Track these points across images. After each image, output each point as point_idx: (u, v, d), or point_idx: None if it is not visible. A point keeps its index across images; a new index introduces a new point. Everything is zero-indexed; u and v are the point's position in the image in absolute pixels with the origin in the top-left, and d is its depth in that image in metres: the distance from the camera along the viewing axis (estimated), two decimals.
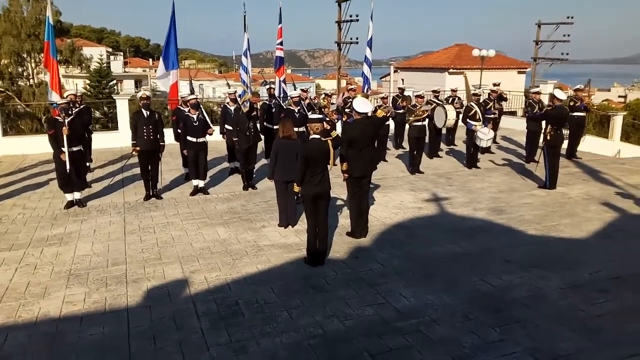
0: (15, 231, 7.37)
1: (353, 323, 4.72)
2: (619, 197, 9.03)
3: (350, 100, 10.99)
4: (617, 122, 16.54)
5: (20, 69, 32.65)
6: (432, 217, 8.03)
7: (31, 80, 32.54)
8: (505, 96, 14.33)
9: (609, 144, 16.08)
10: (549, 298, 5.24)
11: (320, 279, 5.69)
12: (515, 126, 17.30)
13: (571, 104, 12.18)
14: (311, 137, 6.16)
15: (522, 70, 34.25)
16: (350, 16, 20.99)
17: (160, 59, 12.30)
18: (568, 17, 24.44)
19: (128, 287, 5.52)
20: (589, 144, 14.19)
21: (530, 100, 12.53)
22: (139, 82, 54.96)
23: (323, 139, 6.17)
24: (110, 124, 23.79)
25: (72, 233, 7.28)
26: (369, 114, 6.84)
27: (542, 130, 10.07)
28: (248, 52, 11.42)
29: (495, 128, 13.21)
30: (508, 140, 15.35)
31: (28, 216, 8.08)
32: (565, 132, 11.19)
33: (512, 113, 20.41)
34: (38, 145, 12.72)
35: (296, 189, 6.13)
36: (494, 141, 13.53)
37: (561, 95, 9.59)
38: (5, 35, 30.32)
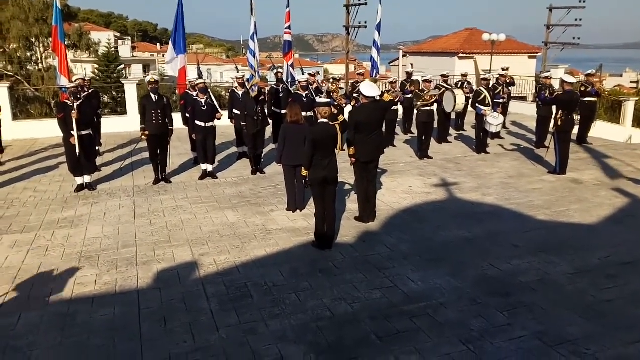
0: (26, 214, 7.45)
1: (361, 306, 4.75)
2: (630, 182, 8.96)
3: (358, 85, 10.94)
4: (629, 108, 16.35)
5: (29, 54, 32.65)
6: (440, 202, 8.01)
7: (40, 65, 32.56)
8: (512, 81, 14.19)
9: (620, 130, 15.92)
10: (557, 283, 5.24)
11: (328, 263, 5.72)
12: (525, 111, 17.15)
13: (582, 89, 12.05)
14: (319, 121, 6.14)
15: (532, 54, 33.84)
16: (359, 0, 20.76)
17: (170, 43, 12.28)
18: (580, 1, 24.00)
19: (138, 269, 5.58)
20: (600, 130, 14.07)
21: (541, 85, 12.39)
22: (147, 66, 54.93)
23: (331, 123, 6.16)
24: (119, 108, 23.82)
25: (83, 216, 7.35)
26: (376, 98, 6.80)
27: (553, 116, 9.97)
28: (255, 35, 11.37)
29: (504, 113, 13.10)
30: (518, 125, 15.23)
31: (39, 199, 8.16)
32: (576, 117, 11.07)
33: (523, 98, 20.22)
34: (48, 130, 12.79)
35: (304, 172, 6.14)
36: (504, 126, 13.44)
37: (570, 79, 9.48)
38: (14, 19, 30.30)
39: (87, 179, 8.59)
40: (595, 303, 4.82)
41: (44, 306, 4.83)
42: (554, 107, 9.80)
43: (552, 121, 10.02)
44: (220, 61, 62.96)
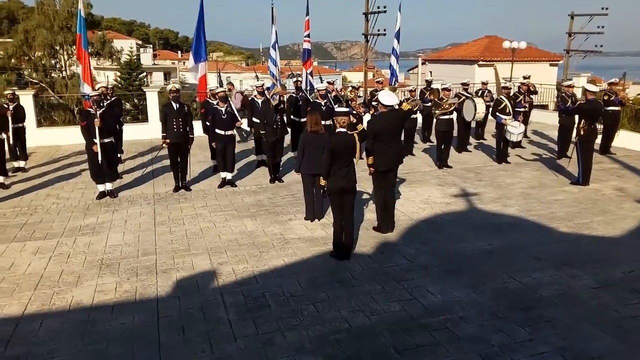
0: (49, 220, 7.58)
1: (379, 318, 4.71)
2: None
3: (377, 93, 10.92)
4: None
5: (53, 61, 33.42)
6: (460, 212, 7.93)
7: (64, 72, 33.28)
8: (534, 89, 14.02)
9: None
10: (580, 297, 5.13)
11: (346, 273, 5.69)
12: (546, 120, 16.92)
13: (605, 97, 11.85)
14: (337, 130, 6.14)
15: (554, 62, 33.45)
16: (378, 7, 20.78)
17: (191, 52, 12.43)
18: (603, 9, 23.70)
19: (158, 277, 5.62)
20: (623, 139, 13.76)
21: (563, 94, 12.22)
22: (168, 74, 55.68)
23: (349, 132, 6.15)
24: (140, 115, 24.15)
25: (104, 223, 7.44)
26: (395, 107, 6.78)
27: (575, 125, 9.82)
28: (277, 44, 11.43)
29: (525, 122, 12.93)
30: (539, 134, 15.03)
31: (61, 206, 8.29)
32: (599, 126, 10.88)
33: (544, 107, 19.97)
34: (71, 136, 13.04)
35: (322, 182, 6.12)
36: (525, 135, 13.27)
37: (593, 88, 9.34)
38: (39, 28, 31.07)
39: (108, 186, 8.71)
40: (620, 319, 4.71)
41: (65, 313, 4.89)
42: (577, 117, 9.64)
43: (575, 130, 9.86)
44: (240, 69, 63.58)
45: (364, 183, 8.51)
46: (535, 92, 14.27)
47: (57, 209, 8.17)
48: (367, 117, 11.34)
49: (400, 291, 5.25)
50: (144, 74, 40.28)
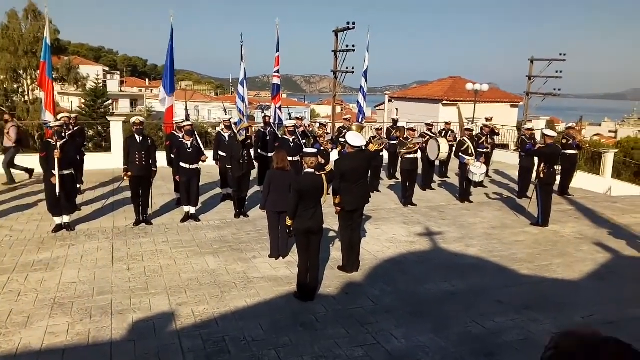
0: (0, 255, 7.22)
1: None
2: (612, 237, 9.02)
3: (345, 130, 11.05)
4: (608, 159, 16.70)
5: (15, 85, 32.67)
6: (424, 252, 7.97)
7: (26, 97, 32.53)
8: (497, 131, 14.47)
9: (600, 181, 16.19)
10: (540, 343, 5.11)
11: (309, 316, 5.58)
12: (507, 160, 17.42)
13: (564, 141, 12.30)
14: (305, 171, 6.13)
15: (514, 104, 34.66)
16: (347, 46, 21.19)
17: (161, 83, 12.38)
18: (560, 54, 24.79)
19: (113, 318, 5.38)
20: (580, 180, 14.29)
21: (523, 137, 12.63)
22: (134, 101, 55.13)
23: (317, 173, 6.14)
24: (103, 143, 23.69)
25: (59, 258, 7.13)
26: (362, 148, 6.85)
27: (535, 167, 10.14)
28: (245, 81, 11.48)
29: (487, 162, 13.28)
30: (500, 174, 15.42)
31: (15, 239, 7.93)
32: (558, 168, 11.26)
33: (504, 146, 20.57)
34: (29, 165, 12.57)
35: (289, 222, 6.06)
36: (487, 175, 13.60)
37: (551, 133, 9.82)
38: (2, 51, 30.45)
39: (66, 219, 8.40)
40: None
41: (12, 357, 4.60)
42: (536, 159, 9.98)
43: (535, 173, 10.17)
44: (209, 98, 63.57)
45: (330, 220, 8.48)
46: (498, 134, 14.72)
47: (9, 242, 7.81)
48: (334, 154, 11.42)
49: (364, 335, 5.18)
50: (110, 101, 39.74)
